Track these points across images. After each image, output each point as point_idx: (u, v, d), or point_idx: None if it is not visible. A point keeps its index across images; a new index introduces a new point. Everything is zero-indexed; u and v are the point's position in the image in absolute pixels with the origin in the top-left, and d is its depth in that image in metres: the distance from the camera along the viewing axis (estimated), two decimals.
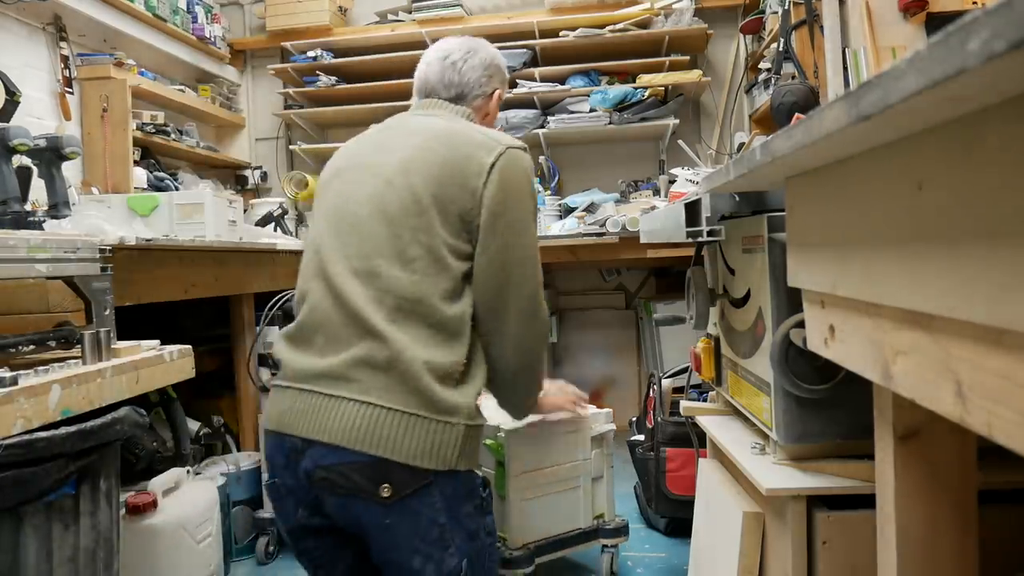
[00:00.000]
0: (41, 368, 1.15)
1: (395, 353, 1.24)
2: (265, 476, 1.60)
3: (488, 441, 1.89)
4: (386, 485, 1.23)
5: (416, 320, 1.27)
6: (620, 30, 3.37)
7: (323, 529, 1.31)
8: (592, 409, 1.99)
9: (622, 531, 1.99)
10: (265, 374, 2.39)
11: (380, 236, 1.31)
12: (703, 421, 1.54)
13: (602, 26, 3.41)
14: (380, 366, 1.24)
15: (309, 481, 1.25)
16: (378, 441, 1.23)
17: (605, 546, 2.00)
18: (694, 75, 3.37)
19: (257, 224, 3.34)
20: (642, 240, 1.94)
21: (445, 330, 1.28)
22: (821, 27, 2.59)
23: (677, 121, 3.42)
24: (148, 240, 1.80)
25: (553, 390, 1.80)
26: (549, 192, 3.54)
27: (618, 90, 3.38)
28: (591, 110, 3.42)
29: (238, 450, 2.52)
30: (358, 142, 1.53)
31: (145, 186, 3.00)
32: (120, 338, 1.47)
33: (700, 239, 1.36)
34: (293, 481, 1.28)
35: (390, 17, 3.75)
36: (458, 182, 1.32)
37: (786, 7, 2.75)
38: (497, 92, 1.59)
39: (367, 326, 1.26)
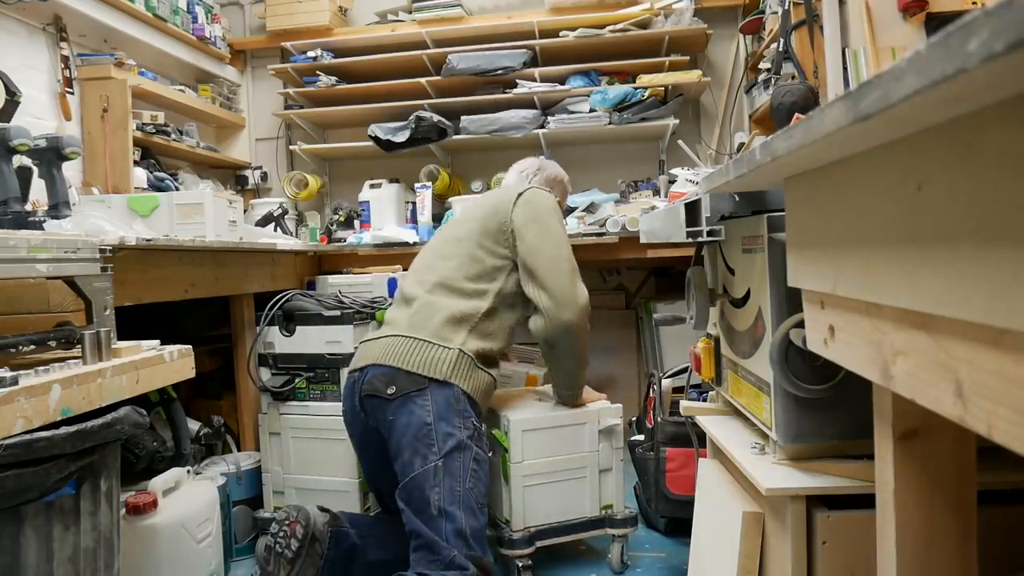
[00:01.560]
0: (41, 368, 1.15)
1: (422, 305, 1.87)
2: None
3: (494, 430, 1.99)
4: (393, 387, 1.75)
5: (446, 290, 1.89)
6: (620, 30, 3.37)
7: (366, 428, 1.85)
8: (603, 403, 2.12)
9: (630, 521, 2.07)
10: (265, 374, 2.39)
11: (440, 249, 2.02)
12: (703, 421, 1.54)
13: (602, 26, 3.41)
14: (413, 316, 1.86)
15: (360, 395, 1.81)
16: (395, 356, 1.79)
17: (614, 536, 2.08)
18: (694, 75, 3.37)
19: (257, 224, 3.34)
20: (642, 240, 1.94)
21: (466, 296, 1.88)
22: (821, 27, 2.58)
23: (677, 121, 3.42)
24: (148, 240, 1.80)
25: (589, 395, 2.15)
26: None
27: (618, 90, 3.37)
28: (591, 110, 3.42)
29: (238, 450, 2.52)
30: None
31: (145, 186, 2.99)
32: (120, 338, 1.47)
33: (700, 239, 1.36)
34: (351, 401, 1.86)
35: (390, 17, 3.75)
36: (497, 209, 1.98)
37: (786, 7, 2.75)
38: (556, 200, 2.16)
39: (414, 296, 1.92)
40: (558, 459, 2.00)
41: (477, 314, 1.85)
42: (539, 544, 1.96)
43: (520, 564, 1.94)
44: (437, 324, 1.82)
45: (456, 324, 1.83)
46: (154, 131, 3.19)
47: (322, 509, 1.82)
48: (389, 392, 1.75)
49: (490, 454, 1.81)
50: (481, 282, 1.90)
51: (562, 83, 3.52)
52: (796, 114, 2.42)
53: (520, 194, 1.98)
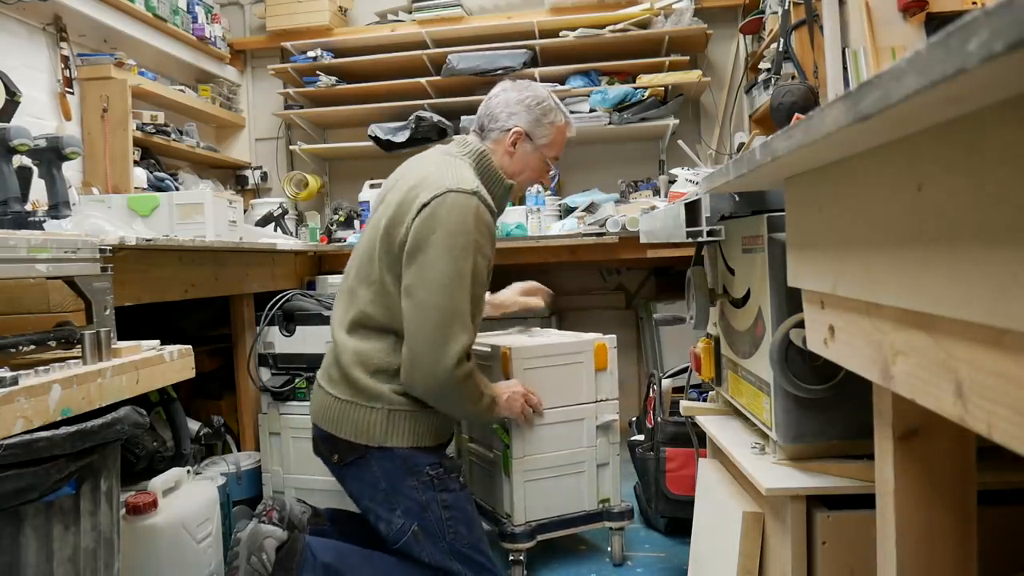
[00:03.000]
0: (41, 368, 1.15)
1: (341, 352, 1.65)
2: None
3: (495, 425, 1.99)
4: (336, 455, 1.65)
5: (363, 331, 1.65)
6: (620, 30, 3.37)
7: None
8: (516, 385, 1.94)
9: (627, 514, 2.11)
10: (265, 374, 2.39)
11: (359, 263, 1.70)
12: (703, 421, 1.54)
13: (602, 26, 3.41)
14: (332, 367, 1.68)
15: (315, 451, 1.73)
16: (328, 421, 1.65)
17: (612, 528, 2.12)
18: (694, 75, 3.37)
19: (257, 224, 3.34)
20: (642, 240, 1.94)
21: (385, 334, 1.63)
22: (821, 27, 2.59)
23: (677, 121, 3.42)
24: (148, 240, 1.80)
25: (505, 386, 1.86)
26: (549, 192, 3.53)
27: (618, 90, 3.38)
28: (591, 110, 3.42)
29: (238, 450, 2.52)
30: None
31: (145, 186, 2.99)
32: (120, 338, 1.47)
33: (700, 239, 1.36)
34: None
35: (390, 17, 3.75)
36: (400, 220, 1.61)
37: (786, 7, 2.75)
38: (516, 130, 1.75)
39: (335, 335, 1.70)
40: (557, 454, 2.01)
41: (396, 356, 1.61)
42: (540, 538, 1.98)
43: (512, 558, 1.95)
44: (357, 378, 1.61)
45: (377, 375, 1.61)
46: (154, 131, 3.19)
47: (300, 501, 1.80)
48: (335, 459, 1.66)
49: (461, 484, 1.67)
50: (397, 317, 1.61)
51: (562, 83, 3.53)
52: (796, 114, 2.42)
53: (425, 204, 1.57)
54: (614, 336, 2.12)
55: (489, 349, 2.04)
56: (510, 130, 1.74)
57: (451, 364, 1.55)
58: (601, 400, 2.08)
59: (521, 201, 3.52)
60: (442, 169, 1.65)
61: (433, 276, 1.54)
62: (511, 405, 1.82)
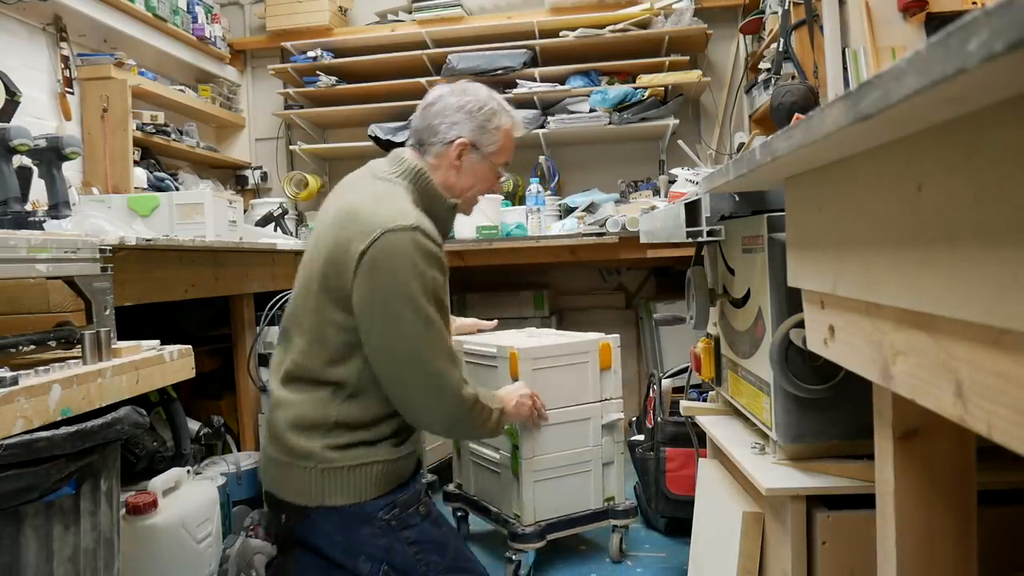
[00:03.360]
0: (41, 368, 1.15)
1: (276, 404, 1.52)
2: None
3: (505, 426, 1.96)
4: (283, 514, 1.53)
5: (298, 383, 1.50)
6: (620, 30, 3.37)
7: None
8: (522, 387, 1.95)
9: (631, 512, 2.13)
10: (265, 374, 2.39)
11: (298, 302, 1.55)
12: (703, 421, 1.54)
13: (602, 26, 3.41)
14: (269, 422, 1.54)
15: None
16: (269, 478, 1.54)
17: (615, 526, 2.14)
18: (694, 75, 3.37)
19: (257, 224, 3.34)
20: (642, 240, 1.94)
21: (321, 385, 1.48)
22: (821, 27, 2.58)
23: (677, 121, 3.42)
24: (148, 240, 1.80)
25: (511, 391, 1.83)
26: (549, 192, 3.54)
27: (618, 90, 3.38)
28: (591, 110, 3.42)
29: (238, 450, 2.52)
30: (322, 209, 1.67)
31: (145, 186, 2.99)
32: (120, 338, 1.47)
33: (700, 239, 1.36)
34: None
35: (390, 17, 3.75)
36: (338, 269, 1.45)
37: (786, 7, 2.75)
38: (460, 141, 1.58)
39: (271, 385, 1.57)
40: (564, 453, 2.02)
41: (334, 407, 1.47)
42: (549, 537, 1.98)
43: (516, 558, 1.96)
44: (289, 435, 1.47)
45: (310, 431, 1.46)
46: (154, 131, 3.19)
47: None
48: (283, 518, 1.53)
49: (422, 514, 1.54)
50: (336, 367, 1.47)
51: (562, 83, 3.53)
52: (796, 114, 2.42)
53: (363, 253, 1.42)
54: (618, 336, 2.12)
55: (495, 350, 2.03)
56: (453, 142, 1.57)
57: (455, 400, 1.49)
58: (606, 399, 2.09)
59: (521, 201, 3.52)
60: (375, 201, 1.49)
61: (404, 331, 1.43)
62: (519, 411, 1.80)
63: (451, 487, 2.32)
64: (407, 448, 1.55)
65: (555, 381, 1.99)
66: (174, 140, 3.32)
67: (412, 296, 1.43)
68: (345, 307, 1.45)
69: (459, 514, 2.34)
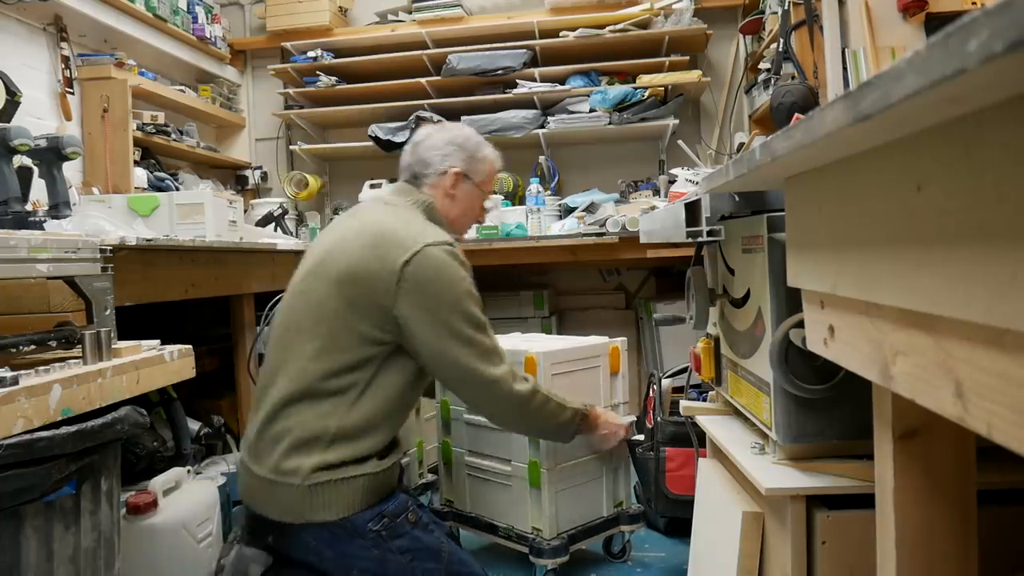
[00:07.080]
0: (42, 368, 1.15)
1: (268, 421, 1.48)
2: None
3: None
4: (268, 536, 1.51)
5: (299, 400, 1.46)
6: (620, 30, 3.37)
7: None
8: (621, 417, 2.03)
9: (639, 516, 2.12)
10: None
11: (298, 316, 1.53)
12: (703, 421, 1.54)
13: (602, 26, 3.41)
14: (257, 441, 1.50)
15: None
16: (250, 498, 1.51)
17: (623, 532, 2.13)
18: (694, 75, 3.37)
19: (257, 224, 3.34)
20: (642, 240, 1.94)
21: (324, 398, 1.46)
22: (821, 27, 2.58)
23: (677, 121, 3.42)
24: (148, 240, 1.80)
25: (614, 418, 1.90)
26: (549, 192, 3.54)
27: (618, 90, 3.38)
28: (591, 110, 3.42)
29: (238, 450, 2.51)
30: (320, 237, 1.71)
31: (145, 186, 3.00)
32: (120, 338, 1.47)
33: (700, 239, 1.36)
34: None
35: (390, 17, 3.75)
36: (371, 282, 1.47)
37: (786, 7, 2.75)
38: (454, 170, 1.66)
39: (264, 400, 1.51)
40: (578, 462, 1.99)
41: (335, 418, 1.45)
42: (572, 549, 1.93)
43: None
44: (280, 453, 1.45)
45: (302, 447, 1.44)
46: (154, 131, 3.19)
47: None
48: (269, 540, 1.52)
49: (412, 522, 1.53)
50: (345, 375, 1.47)
51: (562, 83, 3.53)
52: (796, 114, 2.42)
53: (406, 262, 1.46)
54: (624, 339, 2.12)
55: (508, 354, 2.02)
56: (447, 172, 1.65)
57: (508, 390, 1.55)
58: (615, 404, 2.09)
59: (521, 201, 3.52)
60: (403, 222, 1.56)
61: (455, 334, 1.49)
62: (606, 441, 1.89)
63: (438, 505, 2.19)
64: (390, 460, 1.55)
65: (570, 385, 1.95)
66: (174, 140, 3.32)
67: (460, 301, 1.51)
68: (375, 320, 1.47)
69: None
